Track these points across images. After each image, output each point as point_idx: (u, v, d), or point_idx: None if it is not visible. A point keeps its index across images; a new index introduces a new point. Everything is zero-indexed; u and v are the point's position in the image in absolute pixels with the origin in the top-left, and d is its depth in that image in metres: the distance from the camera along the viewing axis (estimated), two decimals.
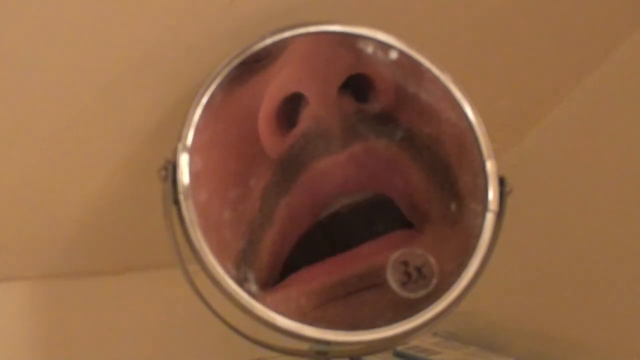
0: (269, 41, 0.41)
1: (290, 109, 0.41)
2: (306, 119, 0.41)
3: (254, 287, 0.40)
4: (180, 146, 0.40)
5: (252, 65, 0.42)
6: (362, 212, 0.42)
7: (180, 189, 0.39)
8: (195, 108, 0.40)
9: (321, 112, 0.41)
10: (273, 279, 0.42)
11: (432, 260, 0.41)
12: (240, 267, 0.40)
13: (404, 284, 0.40)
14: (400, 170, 0.42)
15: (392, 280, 0.40)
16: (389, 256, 0.40)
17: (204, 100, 0.40)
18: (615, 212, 0.55)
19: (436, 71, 0.43)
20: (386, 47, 0.43)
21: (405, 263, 0.41)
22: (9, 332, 0.52)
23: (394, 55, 0.43)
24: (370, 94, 0.42)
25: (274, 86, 0.41)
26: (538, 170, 0.59)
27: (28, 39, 0.39)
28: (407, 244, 0.41)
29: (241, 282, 0.39)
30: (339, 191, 0.41)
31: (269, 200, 0.41)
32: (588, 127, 0.57)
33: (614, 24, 0.54)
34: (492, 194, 0.42)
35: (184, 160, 0.40)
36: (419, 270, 0.41)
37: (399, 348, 0.56)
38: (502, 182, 0.42)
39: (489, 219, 0.41)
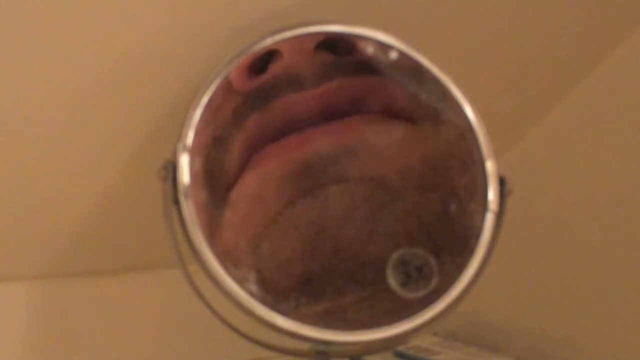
0: (269, 41, 0.41)
1: (264, 63, 0.42)
2: (277, 67, 0.42)
3: (254, 287, 0.40)
4: (180, 146, 0.40)
5: None
6: None
7: (181, 188, 0.39)
8: (195, 108, 0.40)
9: (293, 62, 0.41)
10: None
11: (432, 260, 0.41)
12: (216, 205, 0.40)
13: (404, 284, 0.40)
14: (380, 91, 0.43)
15: (392, 280, 0.40)
16: (358, 135, 0.41)
17: (204, 100, 0.40)
18: (615, 212, 0.55)
19: (436, 71, 0.43)
20: (386, 47, 0.43)
21: (405, 263, 0.41)
22: (9, 332, 0.52)
23: (394, 55, 0.43)
24: (352, 52, 0.42)
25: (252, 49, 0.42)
26: (538, 170, 0.59)
27: (28, 39, 0.39)
28: (380, 123, 0.42)
29: (241, 282, 0.39)
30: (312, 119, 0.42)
31: (240, 112, 0.42)
32: (588, 127, 0.57)
33: (614, 24, 0.54)
34: (492, 194, 0.42)
35: (184, 160, 0.40)
36: (419, 270, 0.41)
37: (399, 348, 0.56)
38: (502, 182, 0.42)
39: (489, 219, 0.41)
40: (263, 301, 0.38)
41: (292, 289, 0.41)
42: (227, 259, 0.40)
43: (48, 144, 0.44)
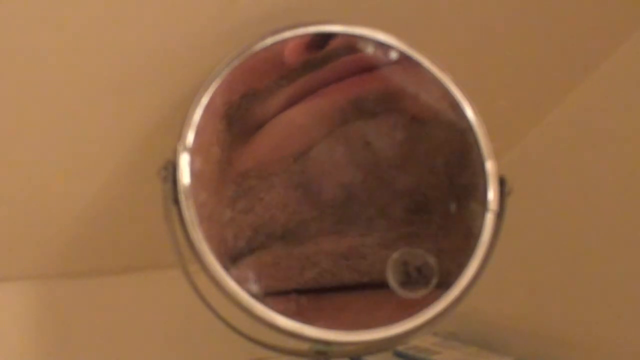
0: (269, 41, 0.41)
1: (322, 42, 0.43)
2: (336, 42, 0.43)
3: (254, 287, 0.40)
4: (180, 146, 0.40)
5: None
6: None
7: (181, 189, 0.39)
8: (195, 108, 0.40)
9: (352, 39, 0.43)
10: None
11: (432, 260, 0.41)
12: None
13: (404, 284, 0.40)
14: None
15: (392, 280, 0.40)
16: (405, 82, 0.43)
17: (204, 100, 0.40)
18: (615, 212, 0.55)
19: (436, 71, 0.43)
20: (386, 47, 0.43)
21: (405, 263, 0.41)
22: (9, 332, 0.52)
23: (394, 55, 0.43)
24: None
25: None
26: (538, 170, 0.59)
27: (29, 39, 0.39)
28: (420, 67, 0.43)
29: (241, 282, 0.39)
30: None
31: (289, 77, 0.43)
32: (588, 127, 0.57)
33: (614, 24, 0.54)
34: (492, 194, 0.42)
35: (184, 160, 0.40)
36: (419, 270, 0.41)
37: (399, 348, 0.56)
38: (502, 182, 0.42)
39: (489, 219, 0.41)
40: (263, 301, 0.38)
41: (332, 204, 0.42)
42: (258, 170, 0.42)
43: (48, 144, 0.44)
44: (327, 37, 0.43)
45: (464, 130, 0.42)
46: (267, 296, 0.40)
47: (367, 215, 0.42)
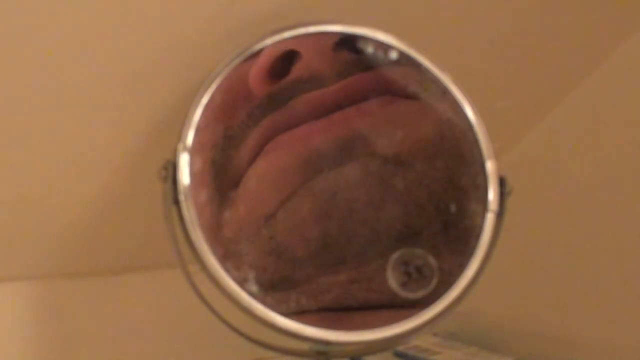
0: (269, 41, 0.41)
1: (284, 65, 0.42)
2: (298, 69, 0.42)
3: (254, 287, 0.40)
4: (180, 146, 0.40)
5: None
6: None
7: (181, 189, 0.39)
8: (195, 108, 0.40)
9: (314, 62, 0.42)
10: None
11: (432, 260, 0.41)
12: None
13: (404, 284, 0.40)
14: (395, 80, 0.43)
15: (392, 280, 0.40)
16: (372, 122, 0.42)
17: (204, 100, 0.40)
18: (615, 212, 0.55)
19: (436, 71, 0.43)
20: (386, 47, 0.43)
21: (405, 263, 0.41)
22: (9, 332, 0.52)
23: (394, 55, 0.43)
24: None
25: (269, 48, 0.42)
26: (538, 170, 0.59)
27: (29, 39, 0.39)
28: (391, 104, 0.42)
29: (241, 282, 0.39)
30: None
31: (256, 114, 0.42)
32: (588, 127, 0.57)
33: (613, 24, 0.54)
34: (492, 194, 0.42)
35: (184, 160, 0.40)
36: (419, 270, 0.41)
37: (399, 348, 0.56)
38: (502, 182, 0.42)
39: (489, 219, 0.41)
40: (263, 301, 0.38)
41: (310, 256, 0.41)
42: (235, 240, 0.41)
43: (49, 144, 0.44)
44: (289, 62, 0.42)
45: (464, 131, 0.42)
46: (268, 295, 0.40)
47: (351, 253, 0.41)
